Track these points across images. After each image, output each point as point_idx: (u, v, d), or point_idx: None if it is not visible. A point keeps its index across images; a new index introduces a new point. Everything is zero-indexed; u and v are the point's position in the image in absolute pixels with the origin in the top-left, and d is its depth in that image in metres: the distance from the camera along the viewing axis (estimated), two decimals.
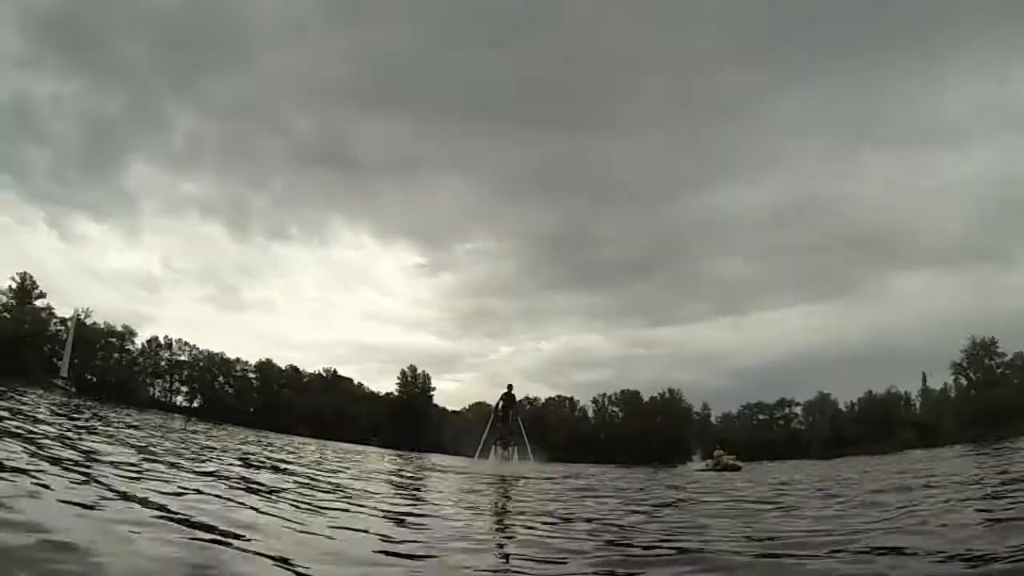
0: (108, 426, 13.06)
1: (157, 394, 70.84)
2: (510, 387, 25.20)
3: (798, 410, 78.54)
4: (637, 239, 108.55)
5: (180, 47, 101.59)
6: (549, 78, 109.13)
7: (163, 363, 72.48)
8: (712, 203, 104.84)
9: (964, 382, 67.58)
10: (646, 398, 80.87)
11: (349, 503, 5.85)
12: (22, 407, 13.22)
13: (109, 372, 66.33)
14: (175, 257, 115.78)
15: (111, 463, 5.94)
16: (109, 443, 8.39)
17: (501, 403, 24.88)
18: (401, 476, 12.02)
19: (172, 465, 6.91)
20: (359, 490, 7.47)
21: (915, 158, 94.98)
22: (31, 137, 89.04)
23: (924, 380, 72.38)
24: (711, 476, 22.00)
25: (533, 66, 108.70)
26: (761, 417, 79.31)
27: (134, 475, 5.40)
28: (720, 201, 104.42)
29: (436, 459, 29.21)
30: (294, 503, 5.23)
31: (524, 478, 14.77)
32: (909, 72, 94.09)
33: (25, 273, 65.40)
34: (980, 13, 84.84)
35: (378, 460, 18.64)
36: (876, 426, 67.88)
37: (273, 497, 5.51)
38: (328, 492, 6.66)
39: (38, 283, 65.71)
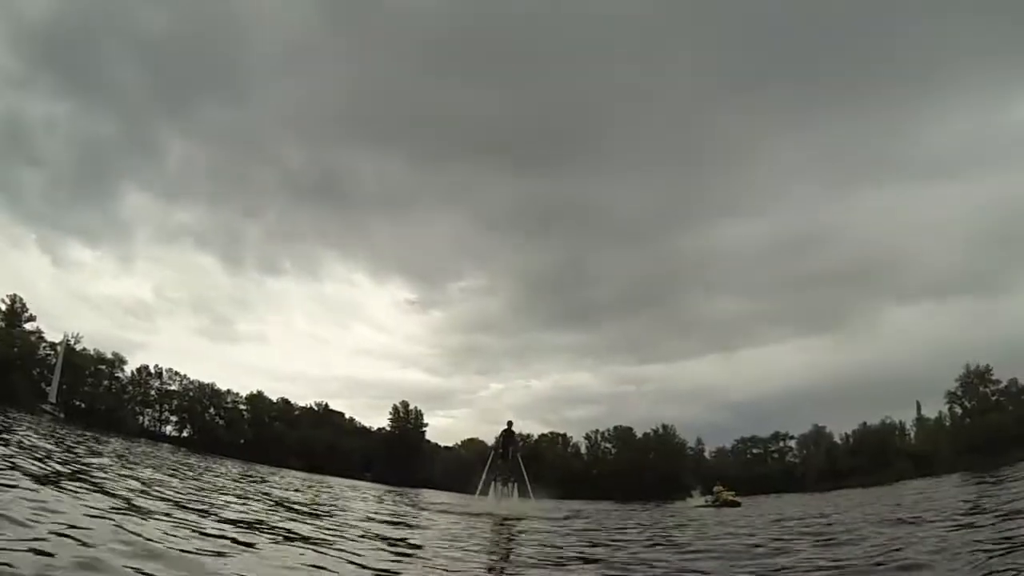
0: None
1: (146, 423, 69.42)
2: (510, 424, 25.24)
3: (792, 443, 78.80)
4: (628, 277, 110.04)
5: (174, 72, 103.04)
6: (544, 115, 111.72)
7: (153, 392, 71.24)
8: (704, 240, 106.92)
9: (959, 410, 68.03)
10: (639, 434, 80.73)
11: None
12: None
13: (98, 399, 64.98)
14: (168, 286, 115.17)
15: None
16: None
17: (501, 440, 24.90)
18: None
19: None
20: None
21: (907, 193, 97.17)
22: (23, 158, 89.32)
23: (919, 409, 72.98)
24: (712, 512, 22.28)
25: (528, 103, 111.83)
26: (755, 451, 79.35)
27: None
28: (712, 238, 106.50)
29: (434, 496, 29.57)
30: None
31: (524, 519, 14.81)
32: (903, 109, 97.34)
33: (15, 295, 64.44)
34: (973, 51, 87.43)
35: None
36: (871, 457, 68.14)
37: None
38: None
39: (28, 306, 64.68)
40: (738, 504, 32.47)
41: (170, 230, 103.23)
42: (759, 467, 74.22)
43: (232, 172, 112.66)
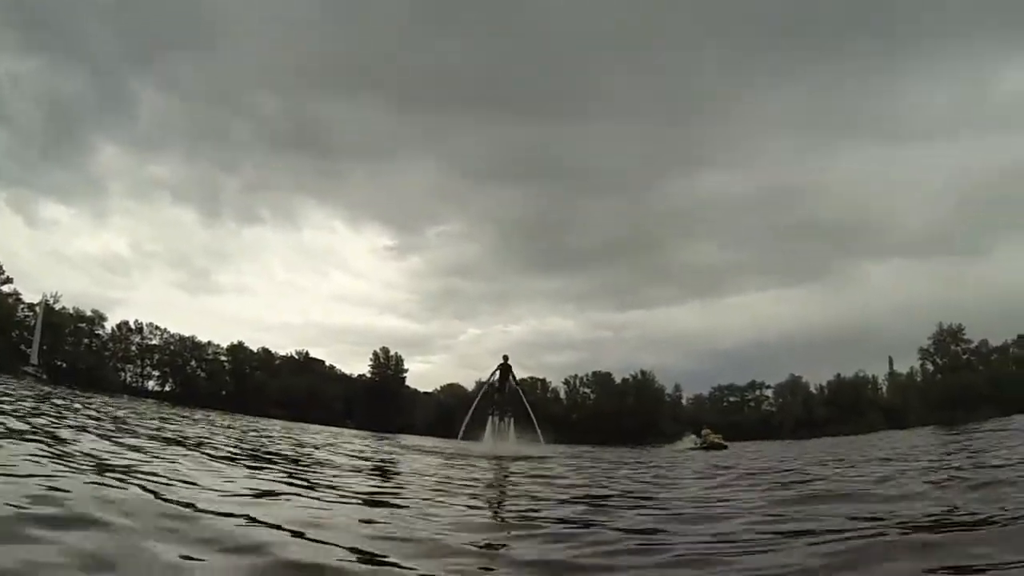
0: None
1: (128, 379, 71.95)
2: (505, 358, 25.92)
3: (769, 392, 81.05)
4: (607, 223, 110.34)
5: (143, 24, 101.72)
6: (525, 61, 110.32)
7: (134, 348, 73.68)
8: (685, 190, 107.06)
9: (930, 367, 70.08)
10: (617, 380, 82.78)
11: None
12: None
13: (79, 358, 67.18)
14: (145, 241, 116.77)
15: None
16: None
17: (497, 374, 25.83)
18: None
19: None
20: None
21: (890, 152, 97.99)
22: None
23: (891, 365, 75.50)
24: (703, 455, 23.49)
25: (509, 49, 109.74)
26: (732, 399, 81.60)
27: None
28: (693, 188, 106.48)
29: (422, 441, 29.33)
30: None
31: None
32: (887, 68, 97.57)
33: None
34: (965, 18, 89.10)
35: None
36: (845, 409, 70.46)
37: None
38: None
39: (4, 268, 66.00)
40: (725, 447, 34.63)
41: (145, 184, 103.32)
42: (735, 415, 75.98)
43: (207, 124, 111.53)
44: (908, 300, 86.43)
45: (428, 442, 27.88)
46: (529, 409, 25.63)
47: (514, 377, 26.02)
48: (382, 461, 11.38)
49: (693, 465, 12.78)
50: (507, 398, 25.02)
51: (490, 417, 25.03)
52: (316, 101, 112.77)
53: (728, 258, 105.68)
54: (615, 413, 77.44)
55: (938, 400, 62.36)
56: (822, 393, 77.17)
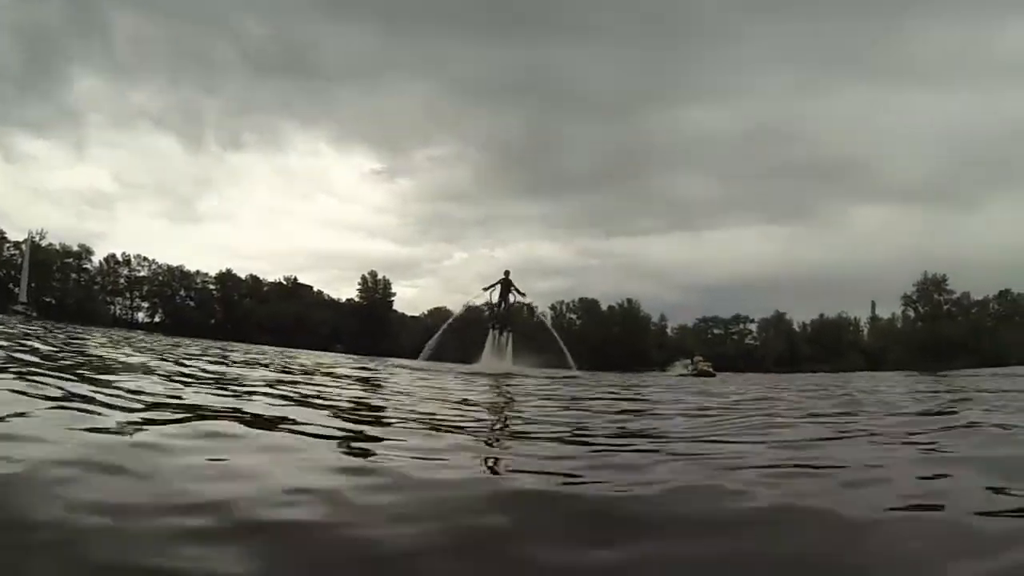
0: None
1: (118, 312, 74.22)
2: (507, 273, 27.21)
3: (752, 327, 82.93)
4: (597, 150, 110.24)
5: None
6: None
7: (122, 280, 75.66)
8: (674, 120, 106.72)
9: (912, 314, 71.54)
10: (604, 308, 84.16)
11: None
12: None
13: (68, 294, 69.26)
14: (126, 172, 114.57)
15: None
16: None
17: (497, 288, 26.91)
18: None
19: None
20: None
21: (885, 97, 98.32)
22: None
23: (873, 308, 77.26)
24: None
25: None
26: (716, 331, 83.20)
27: None
28: (685, 120, 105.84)
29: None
30: None
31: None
32: (892, 13, 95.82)
33: None
34: None
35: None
36: (827, 347, 72.26)
37: None
38: None
39: None
40: (713, 375, 36.72)
41: (125, 113, 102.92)
42: (719, 346, 77.49)
43: (189, 48, 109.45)
44: (893, 247, 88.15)
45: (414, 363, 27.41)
46: (561, 343, 26.71)
47: (518, 291, 26.92)
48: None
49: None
50: (508, 314, 25.94)
51: (490, 331, 26.03)
52: (303, 22, 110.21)
53: (714, 192, 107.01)
54: (602, 340, 79.06)
55: (918, 347, 63.96)
56: (805, 331, 78.78)
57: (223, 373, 8.37)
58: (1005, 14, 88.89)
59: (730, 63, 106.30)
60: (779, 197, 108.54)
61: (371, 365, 17.34)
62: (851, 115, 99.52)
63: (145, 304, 76.90)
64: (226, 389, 6.05)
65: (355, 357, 37.10)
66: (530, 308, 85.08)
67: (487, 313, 27.16)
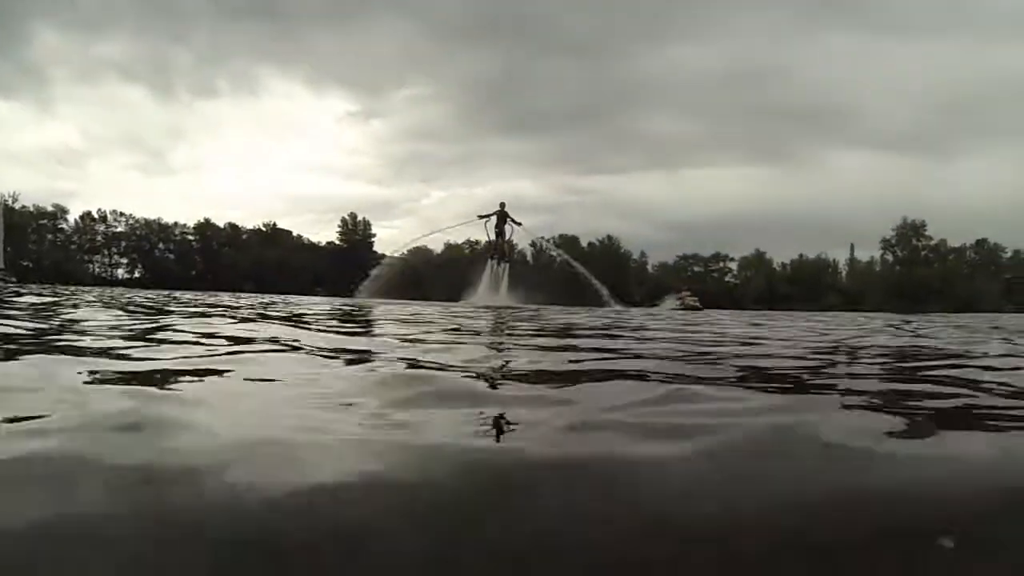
0: None
1: (97, 271, 75.45)
2: (502, 205, 28.05)
3: (732, 265, 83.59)
4: (575, 88, 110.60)
5: None
6: None
7: (99, 238, 76.30)
8: (652, 58, 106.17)
9: (890, 258, 72.92)
10: (584, 244, 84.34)
11: None
12: None
13: (45, 255, 70.43)
14: (95, 126, 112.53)
15: None
16: None
17: (494, 220, 27.72)
18: None
19: None
20: None
21: (869, 43, 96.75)
22: None
23: (852, 251, 77.93)
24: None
25: None
26: (696, 269, 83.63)
27: None
28: (664, 59, 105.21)
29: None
30: None
31: None
32: None
33: None
34: None
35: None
36: (806, 287, 73.45)
37: None
38: None
39: None
40: (700, 308, 38.43)
41: (91, 66, 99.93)
42: (699, 284, 76.15)
43: None
44: (873, 192, 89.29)
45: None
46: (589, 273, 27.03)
47: (514, 221, 27.60)
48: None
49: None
50: (506, 246, 26.78)
51: (489, 261, 26.97)
52: None
53: (692, 132, 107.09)
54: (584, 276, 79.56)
55: (895, 289, 65.58)
56: (784, 270, 79.72)
57: None
58: None
59: (714, 3, 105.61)
60: (759, 138, 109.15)
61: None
62: (835, 61, 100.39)
63: (124, 260, 77.82)
64: None
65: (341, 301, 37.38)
66: (510, 243, 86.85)
67: (485, 244, 27.75)
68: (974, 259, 72.25)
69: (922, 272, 67.17)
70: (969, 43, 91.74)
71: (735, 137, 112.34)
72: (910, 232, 70.90)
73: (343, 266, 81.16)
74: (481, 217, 27.73)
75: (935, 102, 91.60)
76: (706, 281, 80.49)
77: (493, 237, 26.66)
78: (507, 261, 26.65)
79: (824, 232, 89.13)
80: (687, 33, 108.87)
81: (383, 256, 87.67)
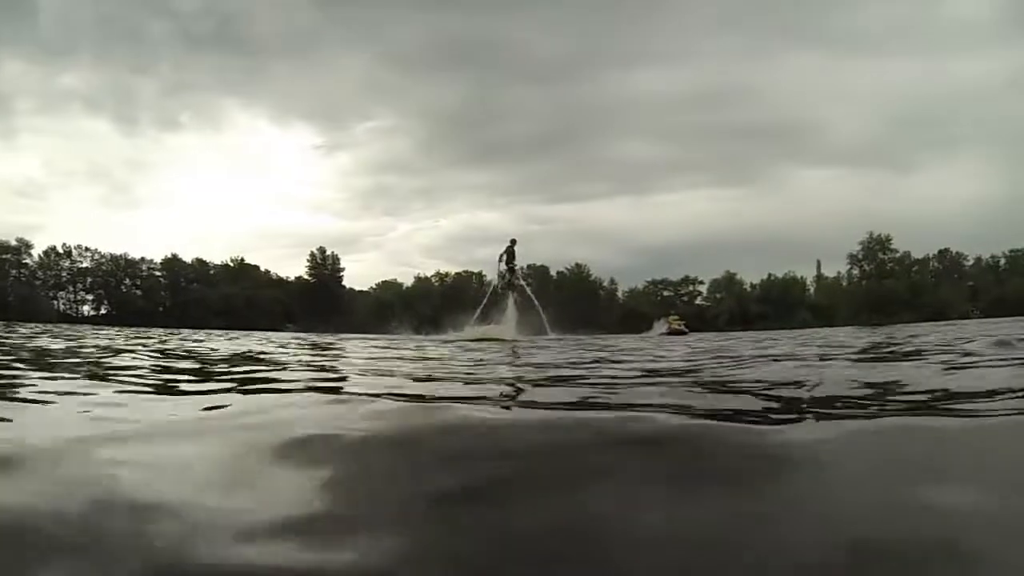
0: None
1: (63, 307, 74.95)
2: (513, 241, 28.93)
3: (703, 288, 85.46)
4: (539, 116, 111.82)
5: None
6: None
7: (65, 273, 75.98)
8: (617, 83, 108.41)
9: (856, 272, 74.68)
10: (553, 273, 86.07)
11: None
12: None
13: (7, 291, 69.66)
14: (59, 158, 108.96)
15: None
16: None
17: (505, 256, 28.62)
18: None
19: None
20: None
21: (830, 62, 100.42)
22: None
23: (819, 267, 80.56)
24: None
25: None
26: (666, 293, 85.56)
27: None
28: (628, 83, 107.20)
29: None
30: None
31: None
32: None
33: None
34: None
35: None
36: (777, 306, 75.45)
37: None
38: None
39: None
40: (686, 332, 39.28)
41: (54, 97, 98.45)
42: (670, 308, 78.22)
43: (119, 24, 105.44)
44: (836, 208, 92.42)
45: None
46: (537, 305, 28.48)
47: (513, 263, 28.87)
48: None
49: None
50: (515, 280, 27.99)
51: (508, 297, 27.90)
52: None
53: (659, 156, 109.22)
54: (554, 306, 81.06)
55: (865, 303, 67.14)
56: (754, 291, 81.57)
57: None
58: None
59: (676, 28, 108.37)
60: (725, 160, 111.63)
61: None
62: (797, 81, 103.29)
63: (90, 297, 77.56)
64: None
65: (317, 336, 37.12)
66: (479, 276, 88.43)
67: (499, 282, 28.98)
68: (938, 268, 74.83)
69: (890, 284, 68.93)
70: (926, 60, 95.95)
71: (701, 160, 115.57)
72: (876, 246, 72.63)
73: (313, 301, 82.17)
74: (501, 258, 29.39)
75: (894, 117, 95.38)
76: (677, 305, 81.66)
77: (505, 272, 28.15)
78: (516, 297, 28.19)
79: (790, 250, 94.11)
80: (651, 58, 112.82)
81: (352, 291, 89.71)
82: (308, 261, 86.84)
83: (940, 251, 75.19)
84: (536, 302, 28.76)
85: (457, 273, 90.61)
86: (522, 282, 28.86)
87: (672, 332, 39.07)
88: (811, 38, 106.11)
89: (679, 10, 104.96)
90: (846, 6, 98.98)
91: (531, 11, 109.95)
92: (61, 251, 75.54)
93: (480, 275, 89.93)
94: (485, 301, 28.84)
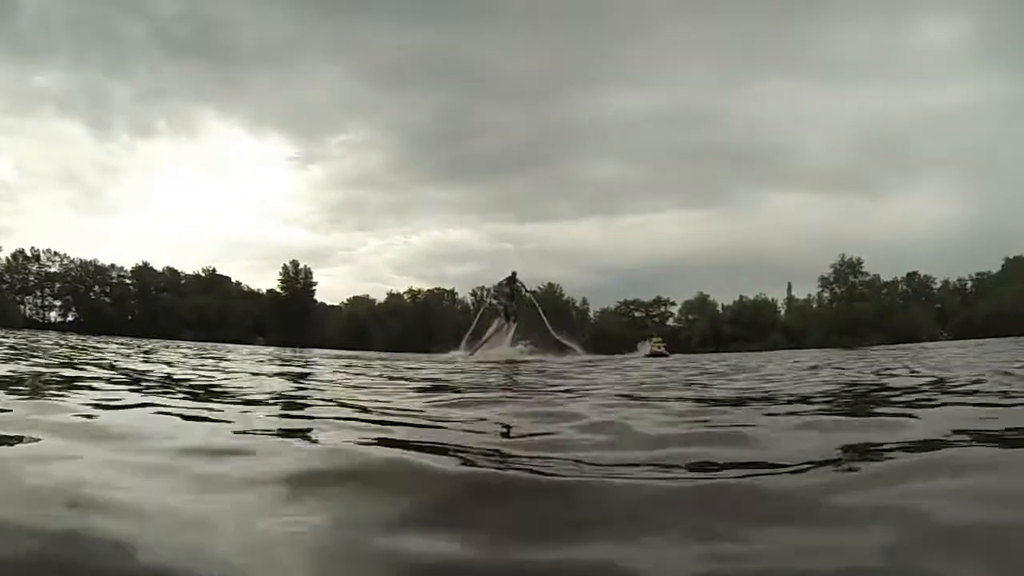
0: None
1: (29, 312, 74.29)
2: (514, 274, 30.08)
3: (674, 309, 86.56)
4: (512, 134, 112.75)
5: None
6: None
7: (32, 278, 75.25)
8: (593, 106, 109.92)
9: (827, 295, 76.40)
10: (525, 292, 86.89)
11: None
12: None
13: None
14: (30, 160, 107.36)
15: None
16: None
17: (508, 289, 29.88)
18: None
19: None
20: None
21: (802, 88, 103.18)
22: None
23: (789, 290, 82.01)
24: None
25: None
26: (637, 314, 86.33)
27: None
28: (602, 105, 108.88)
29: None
30: None
31: None
32: (812, 9, 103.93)
33: None
34: None
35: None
36: (750, 327, 76.34)
37: None
38: None
39: None
40: (666, 355, 39.23)
41: (27, 97, 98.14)
42: (642, 329, 79.12)
43: (96, 26, 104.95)
44: (806, 231, 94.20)
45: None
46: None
47: (525, 289, 30.23)
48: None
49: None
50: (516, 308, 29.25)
51: (498, 319, 29.05)
52: (216, 3, 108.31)
53: (629, 177, 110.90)
54: (526, 324, 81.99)
55: (836, 325, 68.38)
56: (726, 312, 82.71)
57: None
58: (916, 17, 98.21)
59: (649, 53, 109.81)
60: (696, 182, 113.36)
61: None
62: (768, 106, 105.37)
63: (58, 302, 76.91)
64: None
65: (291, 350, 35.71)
66: (452, 293, 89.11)
67: (503, 309, 30.47)
68: (907, 291, 76.67)
69: (861, 307, 70.36)
70: (894, 87, 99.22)
71: (673, 181, 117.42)
72: (847, 269, 74.14)
73: (285, 315, 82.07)
74: (503, 285, 31.44)
75: (863, 143, 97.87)
76: (647, 326, 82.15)
77: (509, 305, 30.11)
78: (514, 321, 30.00)
79: (762, 272, 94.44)
80: (626, 79, 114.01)
81: (323, 305, 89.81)
82: (280, 274, 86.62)
83: (909, 274, 77.11)
84: (548, 325, 30.22)
85: (429, 290, 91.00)
86: (538, 308, 30.80)
87: (652, 355, 39.41)
88: (784, 63, 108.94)
89: (654, 33, 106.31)
90: (819, 33, 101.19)
91: (507, 30, 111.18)
92: (30, 255, 74.86)
93: (452, 292, 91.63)
94: (475, 324, 30.30)
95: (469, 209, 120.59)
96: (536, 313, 30.86)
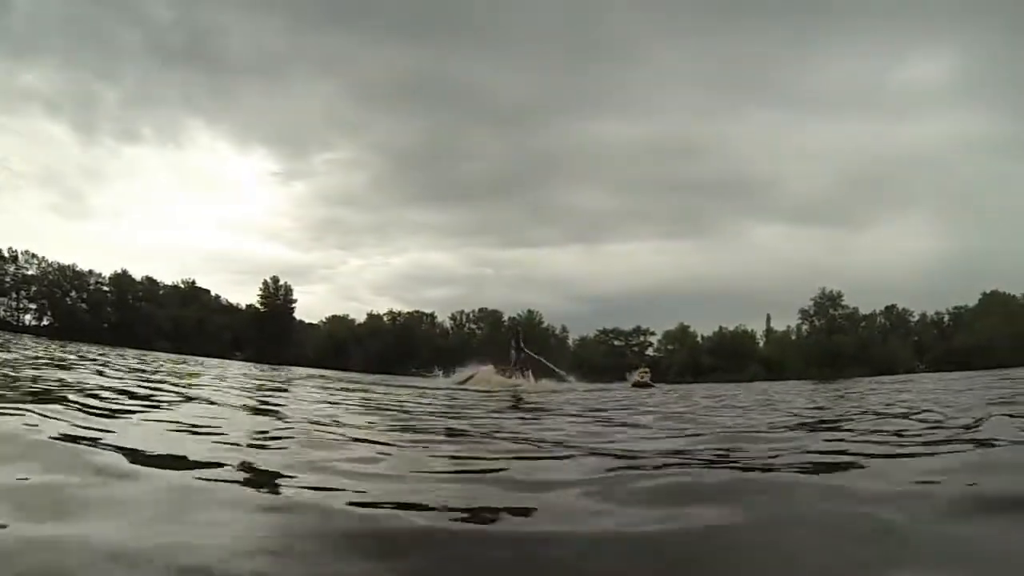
0: None
1: (3, 314, 73.04)
2: (519, 328, 30.30)
3: (654, 339, 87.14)
4: (497, 159, 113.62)
5: None
6: None
7: (8, 279, 73.98)
8: (578, 133, 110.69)
9: (806, 327, 77.54)
10: (505, 318, 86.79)
11: None
12: None
13: None
14: (12, 159, 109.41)
15: None
16: None
17: (514, 342, 30.27)
18: None
19: None
20: None
21: (786, 120, 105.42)
22: None
23: (768, 322, 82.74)
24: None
25: None
26: (617, 343, 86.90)
27: None
28: (587, 132, 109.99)
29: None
30: None
31: None
32: (797, 41, 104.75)
33: None
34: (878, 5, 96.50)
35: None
36: (728, 358, 77.08)
37: None
38: None
39: None
40: (651, 385, 38.66)
41: (14, 95, 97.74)
42: (621, 359, 79.23)
43: (89, 27, 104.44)
44: (786, 263, 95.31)
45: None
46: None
47: (523, 347, 30.85)
48: None
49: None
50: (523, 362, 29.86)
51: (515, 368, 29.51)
52: (212, 11, 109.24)
53: (612, 205, 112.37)
54: (506, 350, 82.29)
55: (815, 358, 69.53)
56: (705, 342, 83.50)
57: None
58: (901, 50, 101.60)
59: (636, 82, 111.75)
60: (678, 212, 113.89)
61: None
62: (751, 138, 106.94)
63: (33, 305, 75.49)
64: None
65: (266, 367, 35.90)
66: (431, 317, 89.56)
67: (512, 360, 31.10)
68: (885, 325, 77.70)
69: (839, 340, 71.45)
70: (877, 121, 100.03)
71: (654, 211, 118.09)
72: (828, 302, 75.38)
73: (264, 331, 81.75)
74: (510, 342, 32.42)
75: (845, 176, 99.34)
76: (626, 356, 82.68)
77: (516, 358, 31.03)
78: (528, 370, 30.71)
79: (741, 303, 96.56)
80: (611, 108, 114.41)
81: (302, 323, 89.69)
82: (260, 290, 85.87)
83: (887, 307, 78.31)
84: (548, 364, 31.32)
85: (409, 313, 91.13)
86: (540, 359, 31.79)
87: (637, 385, 39.35)
88: (769, 96, 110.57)
89: (641, 63, 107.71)
90: (805, 67, 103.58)
91: (496, 54, 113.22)
92: (7, 255, 73.62)
93: (432, 316, 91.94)
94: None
95: (450, 232, 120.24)
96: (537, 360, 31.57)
